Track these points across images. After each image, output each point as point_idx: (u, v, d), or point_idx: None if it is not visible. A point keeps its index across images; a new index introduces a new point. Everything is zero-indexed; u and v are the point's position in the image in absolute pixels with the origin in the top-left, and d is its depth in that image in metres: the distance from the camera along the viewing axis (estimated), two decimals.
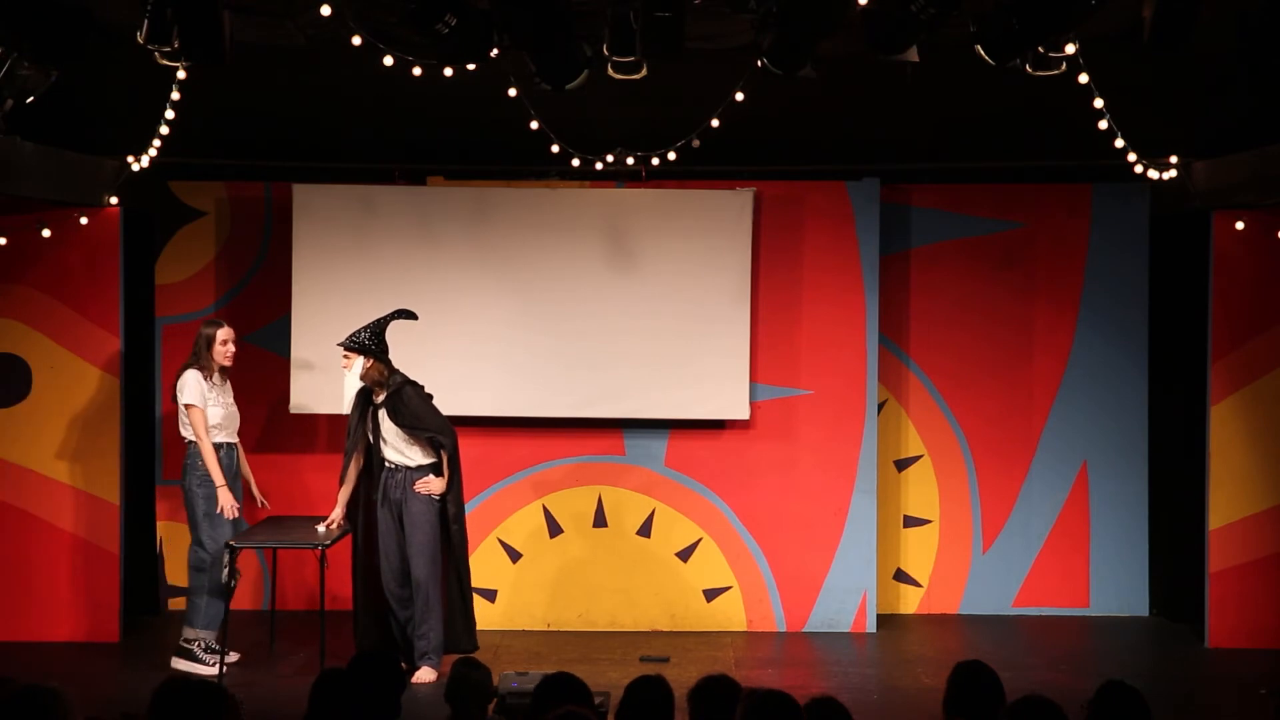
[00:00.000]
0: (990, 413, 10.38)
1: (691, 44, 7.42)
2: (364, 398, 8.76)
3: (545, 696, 5.01)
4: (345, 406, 8.89)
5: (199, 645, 8.73)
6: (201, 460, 8.78)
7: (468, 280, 9.78)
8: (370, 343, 8.61)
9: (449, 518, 8.68)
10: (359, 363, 8.64)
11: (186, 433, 8.87)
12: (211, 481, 8.78)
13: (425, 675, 8.56)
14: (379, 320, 8.67)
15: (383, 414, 8.66)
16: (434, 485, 8.63)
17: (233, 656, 8.78)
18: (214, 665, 8.66)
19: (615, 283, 9.78)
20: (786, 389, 10.00)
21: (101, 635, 9.42)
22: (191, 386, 8.80)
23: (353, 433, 8.75)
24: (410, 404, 8.65)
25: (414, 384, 8.71)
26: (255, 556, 10.02)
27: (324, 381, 9.71)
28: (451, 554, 8.73)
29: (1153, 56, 7.29)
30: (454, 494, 8.70)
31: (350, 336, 8.67)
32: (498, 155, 9.84)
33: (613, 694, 5.79)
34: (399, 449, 8.65)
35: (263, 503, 9.22)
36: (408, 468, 8.64)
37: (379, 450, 8.68)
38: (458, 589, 8.75)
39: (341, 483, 8.80)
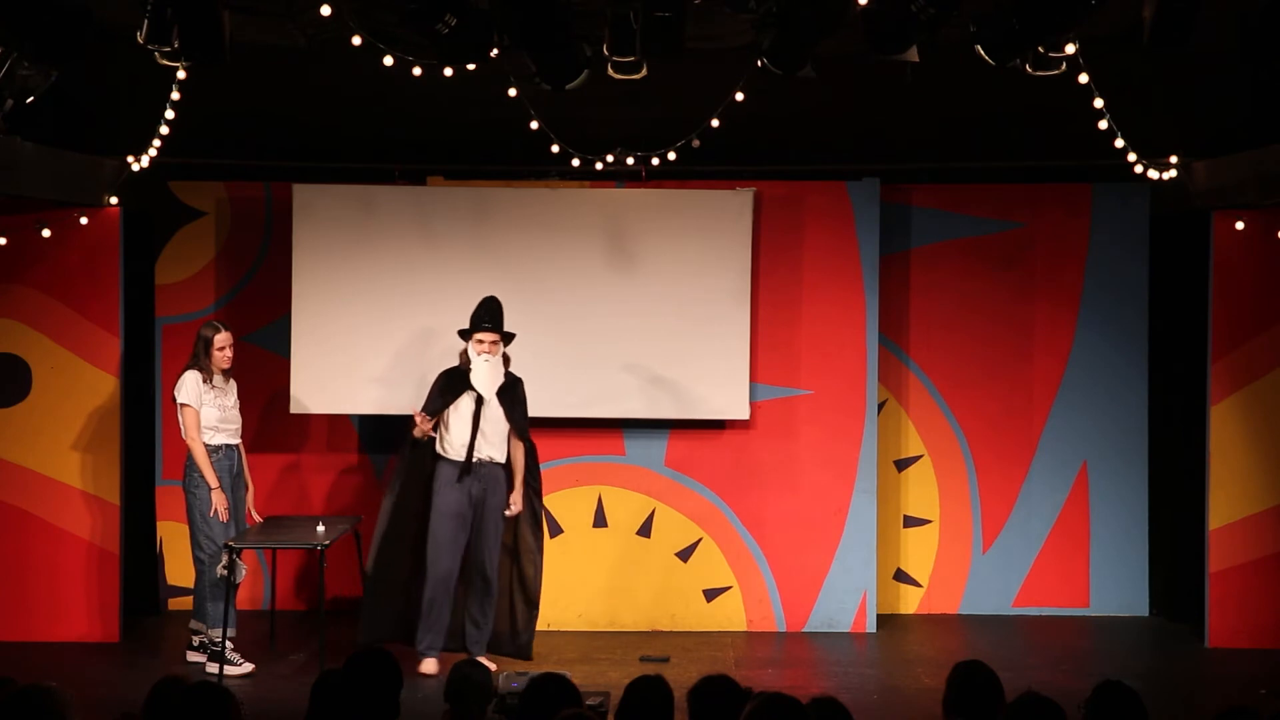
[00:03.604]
0: (990, 413, 10.38)
1: (691, 44, 7.42)
2: (456, 383, 8.65)
3: (534, 698, 5.00)
4: (488, 391, 8.60)
5: (228, 647, 8.61)
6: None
7: (468, 280, 9.76)
8: (507, 331, 8.65)
9: (539, 518, 8.90)
10: (501, 350, 8.61)
11: None
12: (207, 483, 8.76)
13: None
14: (499, 305, 8.62)
15: (494, 405, 8.62)
16: (519, 505, 8.77)
17: (247, 667, 8.75)
18: (242, 664, 8.67)
19: (615, 283, 9.78)
20: (786, 389, 10.00)
21: (101, 635, 9.42)
22: (189, 387, 8.79)
23: (431, 407, 8.64)
24: (523, 403, 8.72)
25: (520, 380, 8.76)
26: (255, 556, 10.02)
27: (324, 381, 9.72)
28: (538, 556, 8.89)
29: (1153, 56, 7.29)
30: (540, 498, 8.92)
31: (494, 320, 8.56)
32: (498, 155, 9.84)
33: (613, 694, 5.79)
34: (495, 444, 8.66)
35: (255, 518, 9.17)
36: (494, 463, 8.67)
37: (472, 441, 8.60)
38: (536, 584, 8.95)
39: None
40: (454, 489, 8.65)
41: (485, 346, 8.57)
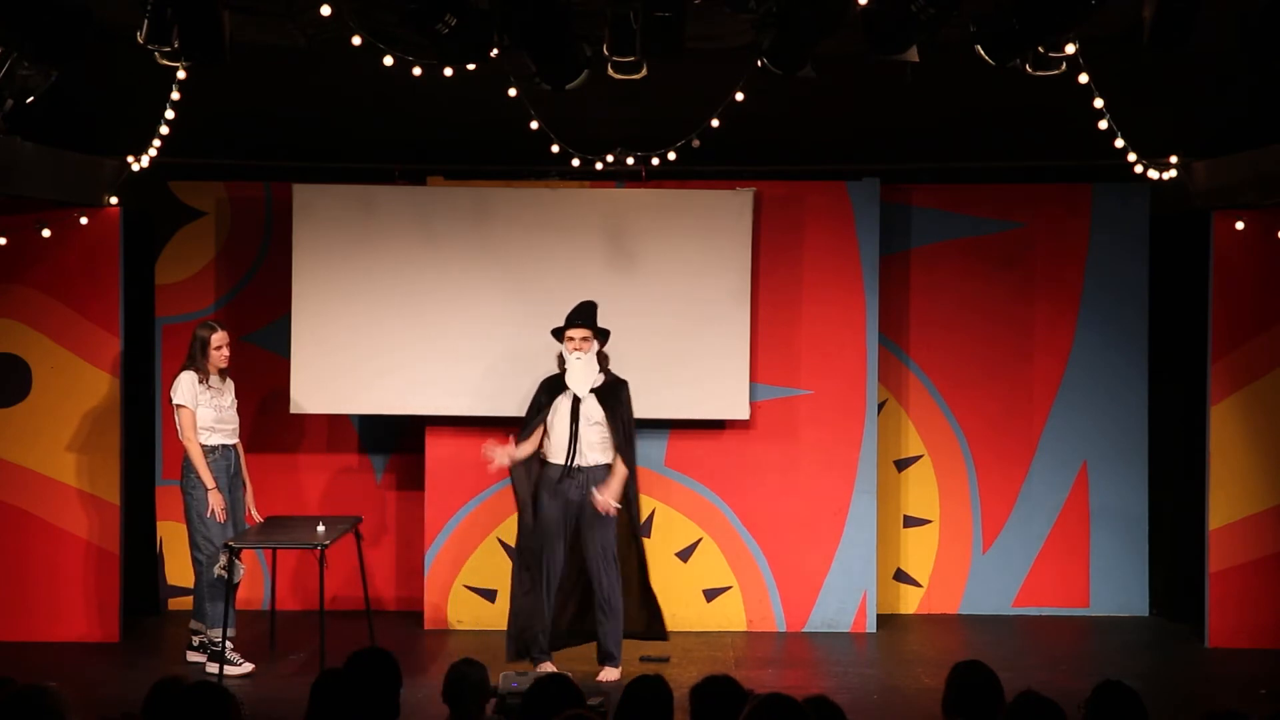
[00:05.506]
0: (990, 413, 10.38)
1: (691, 44, 7.42)
2: (555, 386, 8.56)
3: (538, 698, 5.00)
4: (582, 389, 8.51)
5: (227, 647, 8.58)
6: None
7: (468, 280, 9.77)
8: (601, 328, 8.57)
9: (636, 525, 8.69)
10: (594, 348, 8.52)
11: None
12: (204, 483, 8.74)
13: (610, 674, 8.50)
14: (592, 304, 8.59)
15: (591, 406, 8.50)
16: (614, 506, 8.48)
17: (247, 667, 8.74)
18: (242, 664, 8.66)
19: (615, 283, 9.78)
20: (786, 389, 10.00)
21: (101, 635, 9.42)
22: (184, 388, 8.77)
23: (530, 422, 8.54)
24: (628, 405, 8.58)
25: (625, 383, 8.66)
26: (255, 556, 10.02)
27: (324, 381, 9.72)
28: (640, 555, 8.70)
29: (1153, 56, 7.29)
30: (636, 504, 8.70)
31: (584, 317, 8.48)
32: (498, 155, 9.84)
33: (612, 694, 5.79)
34: (596, 445, 8.51)
35: (255, 517, 9.14)
36: (597, 467, 8.51)
37: (571, 443, 8.48)
38: (645, 583, 8.75)
39: (520, 442, 8.54)
40: (554, 493, 8.52)
41: (575, 343, 8.48)
